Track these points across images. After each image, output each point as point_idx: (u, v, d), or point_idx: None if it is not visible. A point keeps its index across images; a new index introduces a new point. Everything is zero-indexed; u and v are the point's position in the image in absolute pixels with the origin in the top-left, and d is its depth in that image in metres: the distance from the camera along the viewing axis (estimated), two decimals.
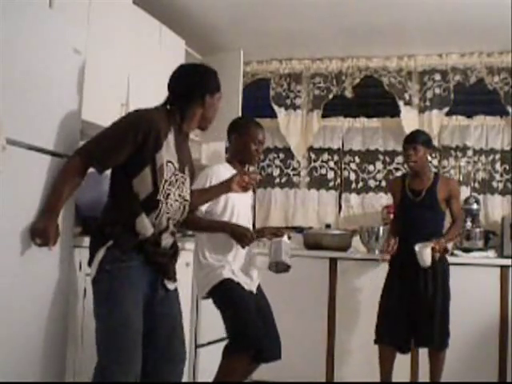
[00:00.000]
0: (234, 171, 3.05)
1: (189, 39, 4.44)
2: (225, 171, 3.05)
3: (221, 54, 4.76)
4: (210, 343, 3.92)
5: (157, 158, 2.41)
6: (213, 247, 3.05)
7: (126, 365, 2.29)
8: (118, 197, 2.47)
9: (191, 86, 2.62)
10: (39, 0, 2.71)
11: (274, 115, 5.29)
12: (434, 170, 4.00)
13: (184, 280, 3.80)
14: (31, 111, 2.40)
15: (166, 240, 2.51)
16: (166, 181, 2.44)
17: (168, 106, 2.59)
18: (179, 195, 2.53)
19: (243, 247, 3.02)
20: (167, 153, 2.44)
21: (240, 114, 4.60)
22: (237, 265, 3.06)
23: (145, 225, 2.41)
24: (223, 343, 3.74)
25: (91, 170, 3.05)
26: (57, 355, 2.56)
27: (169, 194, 2.47)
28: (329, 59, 5.18)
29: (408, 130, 4.93)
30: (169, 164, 2.45)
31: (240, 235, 3.00)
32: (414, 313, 3.63)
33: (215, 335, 3.78)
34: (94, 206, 2.77)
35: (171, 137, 2.48)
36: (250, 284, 3.08)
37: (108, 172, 2.49)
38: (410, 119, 4.95)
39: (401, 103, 4.98)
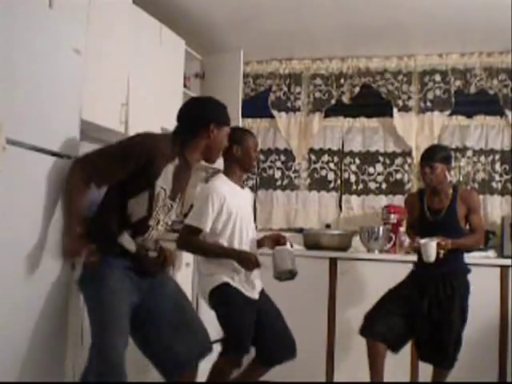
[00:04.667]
0: (230, 182, 3.11)
1: (189, 39, 4.44)
2: (223, 186, 3.07)
3: (221, 54, 4.76)
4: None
5: (155, 185, 2.46)
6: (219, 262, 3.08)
7: (117, 336, 2.36)
8: (109, 212, 2.49)
9: (197, 115, 2.65)
10: (39, 0, 2.71)
11: (274, 115, 5.31)
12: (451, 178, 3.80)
13: (184, 280, 3.81)
14: (31, 111, 2.40)
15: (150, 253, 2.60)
16: (158, 208, 2.51)
17: (174, 135, 2.62)
18: (165, 222, 2.60)
19: (251, 270, 3.05)
20: (163, 180, 2.49)
21: (240, 114, 4.61)
22: (242, 272, 3.09)
23: (129, 243, 2.49)
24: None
25: None
26: (57, 355, 2.56)
27: (159, 221, 2.55)
28: (329, 59, 5.18)
29: (403, 133, 4.96)
30: (161, 191, 2.50)
31: (245, 261, 3.02)
32: (425, 330, 3.51)
33: (215, 335, 3.77)
34: (93, 206, 2.77)
35: (171, 165, 2.51)
36: (251, 291, 3.10)
37: None
38: (403, 124, 4.97)
39: (395, 110, 4.99)
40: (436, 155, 3.53)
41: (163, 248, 2.71)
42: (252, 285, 3.10)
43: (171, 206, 2.59)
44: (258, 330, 3.03)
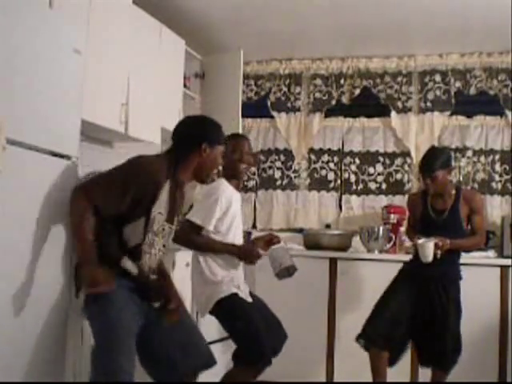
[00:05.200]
0: (230, 187, 3.13)
1: (189, 39, 4.44)
2: (229, 189, 3.12)
3: (221, 54, 4.76)
4: (210, 343, 3.90)
5: (151, 211, 2.46)
6: (224, 263, 3.08)
7: (125, 355, 2.33)
8: (107, 237, 2.47)
9: (190, 133, 2.65)
10: (39, 0, 2.71)
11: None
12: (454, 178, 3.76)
13: (184, 280, 3.81)
14: (31, 111, 2.40)
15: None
16: (153, 232, 2.50)
17: (168, 154, 2.61)
18: (163, 245, 2.59)
19: (253, 264, 3.10)
20: (159, 205, 2.48)
21: (240, 116, 4.61)
22: (241, 278, 3.12)
23: (131, 266, 2.48)
24: (223, 343, 3.76)
25: (91, 170, 3.06)
26: (57, 355, 2.56)
27: (153, 244, 2.53)
28: (329, 59, 5.18)
29: (401, 135, 4.97)
30: (158, 215, 2.49)
31: (247, 255, 3.07)
32: (425, 332, 3.51)
33: (215, 335, 3.77)
34: None
35: (166, 186, 2.50)
36: (248, 295, 3.12)
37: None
38: (402, 126, 4.99)
39: (394, 114, 5.01)
40: (435, 164, 3.44)
41: (164, 275, 2.71)
42: (246, 290, 3.13)
43: (170, 228, 2.61)
44: None
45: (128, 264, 2.48)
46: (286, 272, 3.07)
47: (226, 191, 3.09)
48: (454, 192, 3.56)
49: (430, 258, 3.39)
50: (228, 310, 3.02)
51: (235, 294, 3.01)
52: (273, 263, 3.07)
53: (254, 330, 2.94)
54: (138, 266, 2.50)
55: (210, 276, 3.06)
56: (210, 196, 3.07)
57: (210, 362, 2.71)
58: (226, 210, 3.05)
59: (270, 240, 3.16)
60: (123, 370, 2.29)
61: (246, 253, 3.09)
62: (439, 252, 3.38)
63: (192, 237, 3.04)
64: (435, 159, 3.48)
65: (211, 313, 3.07)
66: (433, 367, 3.58)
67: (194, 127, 2.68)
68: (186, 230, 3.04)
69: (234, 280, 3.06)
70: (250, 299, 3.11)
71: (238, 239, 3.18)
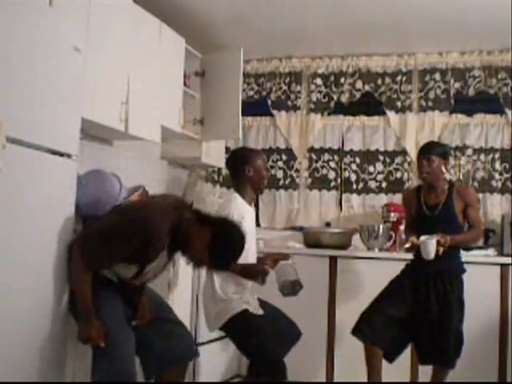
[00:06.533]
0: (244, 202, 3.16)
1: (189, 38, 4.43)
2: (241, 206, 3.14)
3: (221, 53, 4.75)
4: (210, 341, 3.92)
5: (147, 267, 2.51)
6: (234, 281, 3.09)
7: (123, 338, 2.45)
8: None
9: None
10: None
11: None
12: (448, 176, 3.82)
13: (184, 279, 3.81)
14: (31, 110, 2.40)
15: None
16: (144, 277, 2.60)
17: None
18: (154, 276, 2.67)
19: (262, 284, 3.08)
20: (157, 264, 2.55)
21: (240, 114, 4.60)
22: (251, 292, 3.13)
23: (111, 275, 2.59)
24: (223, 341, 3.76)
25: (91, 168, 3.05)
26: (57, 355, 2.55)
27: (146, 282, 2.67)
28: (329, 58, 5.18)
29: (400, 134, 4.97)
30: (153, 268, 2.57)
31: (256, 276, 3.07)
32: (424, 329, 3.51)
33: (215, 334, 3.77)
34: (94, 206, 2.77)
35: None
36: (257, 306, 3.13)
37: (108, 173, 2.50)
38: (400, 126, 5.00)
39: (393, 113, 5.01)
40: (433, 149, 3.59)
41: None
42: (255, 301, 3.15)
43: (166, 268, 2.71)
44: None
45: (108, 272, 2.58)
46: (290, 288, 3.06)
47: (240, 209, 3.10)
48: (447, 187, 3.60)
49: (432, 254, 3.40)
50: (240, 326, 3.03)
51: (246, 310, 3.03)
52: (278, 278, 3.08)
53: (266, 345, 2.96)
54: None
55: (220, 293, 3.08)
56: (223, 211, 3.08)
57: (190, 354, 2.81)
58: None
59: (279, 258, 3.18)
60: (122, 349, 2.42)
61: (256, 271, 3.08)
62: (441, 249, 3.39)
63: None
64: (434, 146, 3.67)
65: (221, 329, 3.11)
66: (434, 364, 3.58)
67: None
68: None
69: (243, 296, 3.08)
70: (260, 311, 3.12)
71: (251, 255, 3.16)
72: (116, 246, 2.42)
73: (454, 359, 3.51)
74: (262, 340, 2.97)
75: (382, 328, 3.49)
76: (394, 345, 3.56)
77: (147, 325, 2.68)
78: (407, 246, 3.62)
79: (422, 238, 3.43)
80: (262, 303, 3.20)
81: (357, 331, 3.56)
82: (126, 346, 2.43)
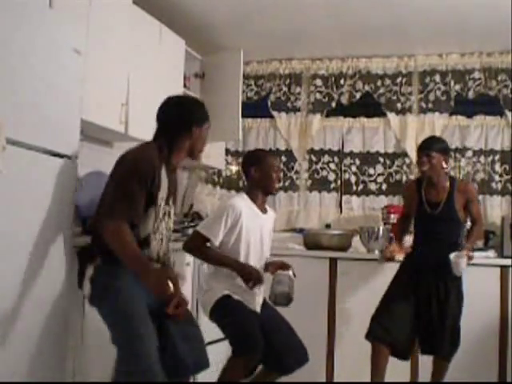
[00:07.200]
0: (251, 204, 3.14)
1: (189, 39, 4.44)
2: (241, 203, 3.12)
3: (221, 54, 4.75)
4: (210, 343, 3.90)
5: (158, 198, 2.45)
6: (224, 275, 3.09)
7: (147, 342, 2.31)
8: None
9: (179, 118, 2.61)
10: (39, 0, 2.71)
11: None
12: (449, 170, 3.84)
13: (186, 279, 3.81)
14: (31, 111, 2.40)
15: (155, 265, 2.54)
16: (159, 219, 2.50)
17: (157, 141, 2.56)
18: (165, 228, 2.58)
19: (250, 288, 3.04)
20: (162, 190, 2.48)
21: (240, 115, 4.60)
22: (250, 293, 3.10)
23: None
24: (223, 343, 3.75)
25: (91, 169, 3.06)
26: (57, 355, 2.56)
27: (158, 229, 2.52)
28: (329, 59, 5.18)
29: (400, 136, 4.98)
30: (161, 201, 2.50)
31: (247, 275, 3.03)
32: (424, 321, 3.53)
33: (215, 335, 3.77)
34: (93, 206, 2.77)
35: (163, 172, 2.49)
36: (253, 303, 3.11)
37: (108, 173, 2.50)
38: (400, 128, 5.00)
39: (393, 115, 5.01)
40: (433, 145, 3.57)
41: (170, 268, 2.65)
42: (252, 298, 3.11)
43: (169, 212, 2.59)
44: (264, 339, 2.97)
45: None
46: (284, 299, 3.05)
47: (237, 205, 3.09)
48: (448, 184, 3.60)
49: (463, 271, 3.44)
50: (220, 310, 3.04)
51: (227, 296, 3.03)
52: (272, 286, 3.07)
53: (245, 322, 2.94)
54: (145, 253, 2.46)
55: (206, 284, 3.16)
56: (220, 209, 3.13)
57: (203, 364, 2.68)
58: (233, 223, 3.05)
59: (281, 267, 3.17)
60: (149, 356, 2.29)
61: (247, 272, 3.03)
62: (469, 261, 3.47)
63: (200, 247, 3.08)
64: (434, 141, 3.65)
65: (210, 319, 3.11)
66: (433, 354, 3.59)
67: (181, 111, 2.64)
68: (193, 239, 3.12)
69: (227, 286, 3.06)
70: (257, 309, 3.11)
71: (252, 257, 3.15)
72: (129, 190, 2.35)
73: (452, 348, 3.53)
74: (237, 318, 2.96)
75: (396, 328, 3.51)
76: (408, 342, 3.58)
77: (174, 320, 2.50)
78: (388, 256, 3.81)
79: (452, 255, 3.42)
80: (273, 315, 3.17)
81: (371, 335, 3.56)
82: (151, 350, 2.32)
